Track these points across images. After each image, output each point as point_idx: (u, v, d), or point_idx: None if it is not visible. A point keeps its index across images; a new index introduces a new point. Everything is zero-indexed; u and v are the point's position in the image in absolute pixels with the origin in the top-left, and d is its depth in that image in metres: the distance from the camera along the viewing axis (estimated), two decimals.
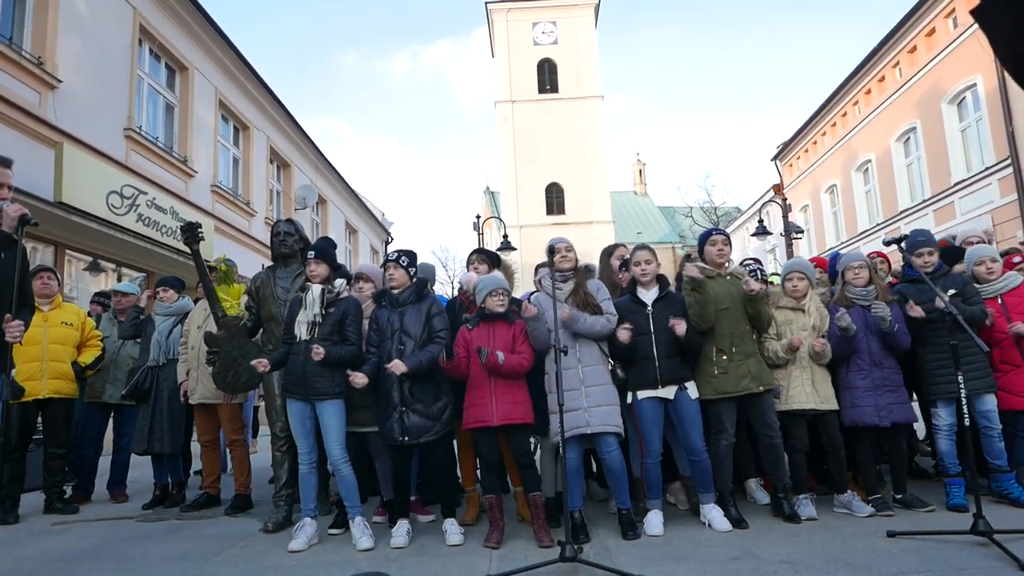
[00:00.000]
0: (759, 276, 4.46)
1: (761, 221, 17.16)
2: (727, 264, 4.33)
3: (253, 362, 3.88)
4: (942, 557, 3.21)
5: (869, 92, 17.88)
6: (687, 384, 4.03)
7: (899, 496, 4.33)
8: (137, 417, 5.40)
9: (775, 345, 4.27)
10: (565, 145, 37.60)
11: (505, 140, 38.55)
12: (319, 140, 19.72)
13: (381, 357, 3.92)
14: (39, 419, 5.25)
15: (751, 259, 5.17)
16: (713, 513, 3.97)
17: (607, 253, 5.12)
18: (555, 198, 38.26)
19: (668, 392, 3.99)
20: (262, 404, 5.76)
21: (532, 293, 4.22)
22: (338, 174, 20.10)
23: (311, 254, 4.02)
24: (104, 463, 5.83)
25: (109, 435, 5.84)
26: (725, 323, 4.10)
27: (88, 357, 5.33)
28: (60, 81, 8.63)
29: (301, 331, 3.92)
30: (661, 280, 4.23)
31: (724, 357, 4.07)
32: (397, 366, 3.76)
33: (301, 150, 17.62)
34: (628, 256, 4.50)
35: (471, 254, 4.85)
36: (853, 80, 18.13)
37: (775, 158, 24.36)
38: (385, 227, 26.38)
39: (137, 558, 3.73)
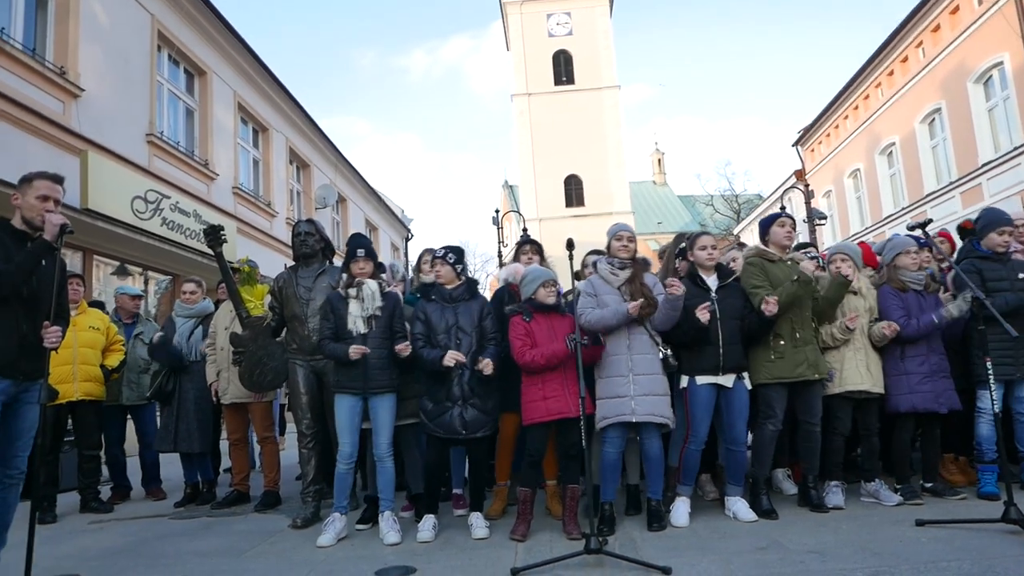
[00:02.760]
0: (818, 263, 4.41)
1: (783, 208, 16.97)
2: (789, 248, 4.28)
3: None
4: (973, 546, 3.17)
5: (892, 73, 17.55)
6: (744, 374, 4.00)
7: (929, 484, 4.28)
8: (158, 417, 5.50)
9: (829, 327, 4.21)
10: (582, 136, 37.44)
11: (522, 133, 38.49)
12: (337, 139, 19.89)
13: (441, 349, 3.90)
14: (69, 421, 5.37)
15: (807, 243, 5.10)
16: (738, 504, 3.96)
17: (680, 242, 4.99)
18: (574, 190, 38.14)
19: (727, 380, 3.95)
20: (287, 402, 5.84)
21: (570, 289, 4.17)
22: (357, 173, 20.22)
23: (360, 252, 4.04)
24: (133, 463, 5.95)
25: (132, 436, 5.97)
26: (786, 309, 4.01)
27: (114, 360, 5.44)
28: (83, 90, 8.78)
29: (358, 325, 3.95)
30: (720, 268, 4.17)
31: (782, 343, 4.03)
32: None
33: (320, 150, 17.76)
34: (683, 244, 4.43)
35: (522, 244, 4.85)
36: (875, 62, 17.80)
37: (796, 143, 24.02)
38: (405, 224, 26.50)
39: (171, 555, 3.82)
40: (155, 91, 10.54)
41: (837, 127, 21.20)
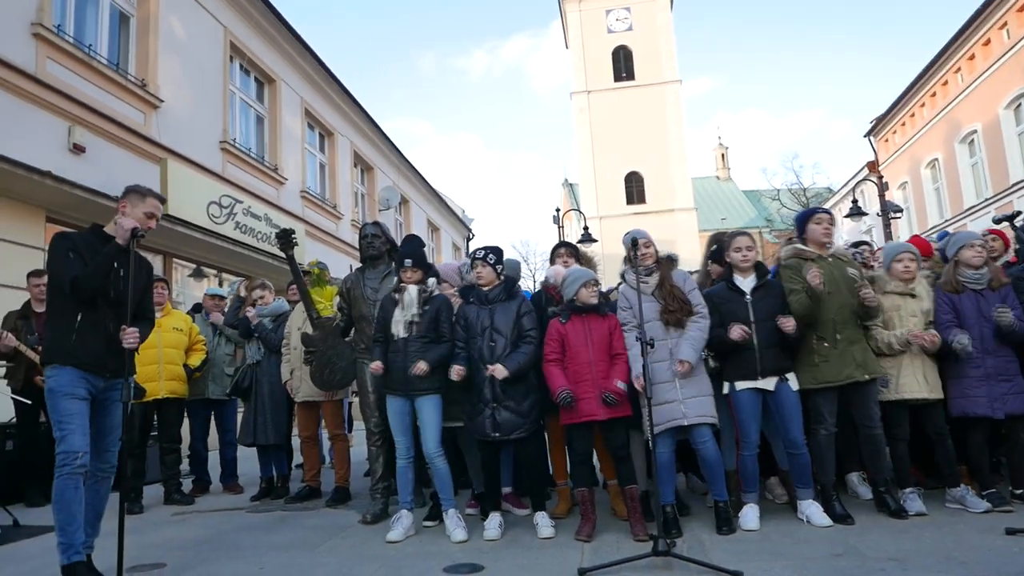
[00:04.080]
0: (860, 259, 4.25)
1: (855, 201, 16.28)
2: (830, 245, 4.14)
3: (371, 366, 4.03)
4: None
5: (973, 57, 16.63)
6: (788, 375, 3.89)
7: (1019, 491, 4.04)
8: (239, 412, 5.73)
9: (887, 335, 4.05)
10: (643, 133, 36.95)
11: (582, 131, 38.28)
12: (400, 141, 20.23)
13: (471, 353, 3.99)
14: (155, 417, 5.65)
15: (862, 241, 4.92)
16: (811, 508, 3.84)
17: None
18: (635, 187, 37.69)
19: (768, 383, 3.87)
20: (355, 400, 5.98)
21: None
22: (419, 174, 20.53)
23: (407, 262, 4.13)
24: (214, 457, 6.23)
25: (213, 432, 6.24)
26: (828, 309, 3.91)
27: (196, 360, 5.71)
28: (162, 101, 9.22)
29: (399, 330, 4.05)
30: (759, 268, 4.08)
31: (826, 345, 3.90)
32: (498, 371, 3.81)
33: (383, 153, 18.12)
34: (714, 247, 4.37)
35: (558, 247, 4.85)
36: (954, 46, 16.90)
37: (869, 134, 23.07)
38: (466, 224, 26.75)
39: (249, 546, 3.98)
40: (228, 100, 10.97)
41: (913, 115, 20.25)
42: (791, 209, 37.12)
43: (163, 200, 3.50)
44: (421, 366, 3.88)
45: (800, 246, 4.15)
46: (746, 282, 4.02)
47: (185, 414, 5.91)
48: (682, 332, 3.85)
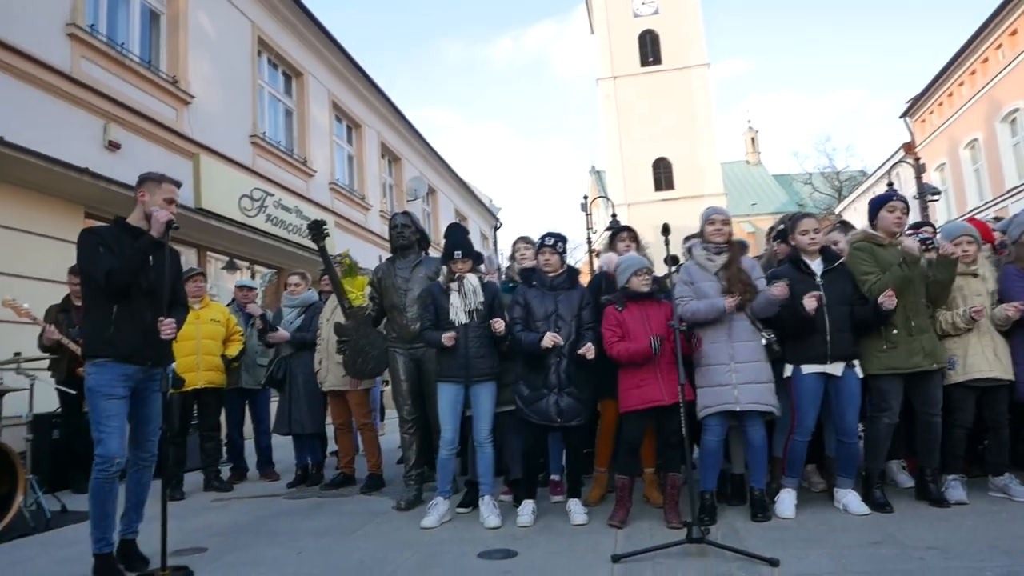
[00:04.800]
0: (933, 245, 4.17)
1: (891, 184, 15.92)
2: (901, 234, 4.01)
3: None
4: None
5: (1015, 33, 16.06)
6: (855, 362, 3.80)
7: None
8: (273, 401, 5.83)
9: (950, 315, 3.94)
10: (671, 118, 36.53)
11: (608, 117, 37.97)
12: (426, 131, 20.26)
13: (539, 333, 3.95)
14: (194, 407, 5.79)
15: (922, 223, 4.79)
16: (849, 497, 3.79)
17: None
18: (663, 173, 37.33)
19: (836, 368, 3.77)
20: (387, 388, 6.05)
21: (673, 270, 4.11)
22: (446, 164, 20.58)
23: (458, 254, 4.15)
24: (250, 446, 6.36)
25: (249, 421, 6.37)
26: (899, 297, 3.76)
27: (234, 350, 5.83)
28: (192, 96, 9.36)
29: (460, 316, 4.07)
30: (825, 252, 3.97)
31: (895, 332, 3.80)
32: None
33: (410, 143, 18.18)
34: (782, 226, 4.27)
35: (619, 232, 4.82)
36: (994, 21, 16.35)
37: (905, 115, 22.48)
38: (493, 213, 26.76)
39: (287, 532, 4.06)
40: (257, 94, 11.09)
41: (951, 95, 19.67)
42: (823, 193, 36.47)
43: (178, 184, 3.52)
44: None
45: (870, 231, 4.05)
46: (814, 264, 3.92)
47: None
48: (741, 316, 3.78)
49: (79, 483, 5.52)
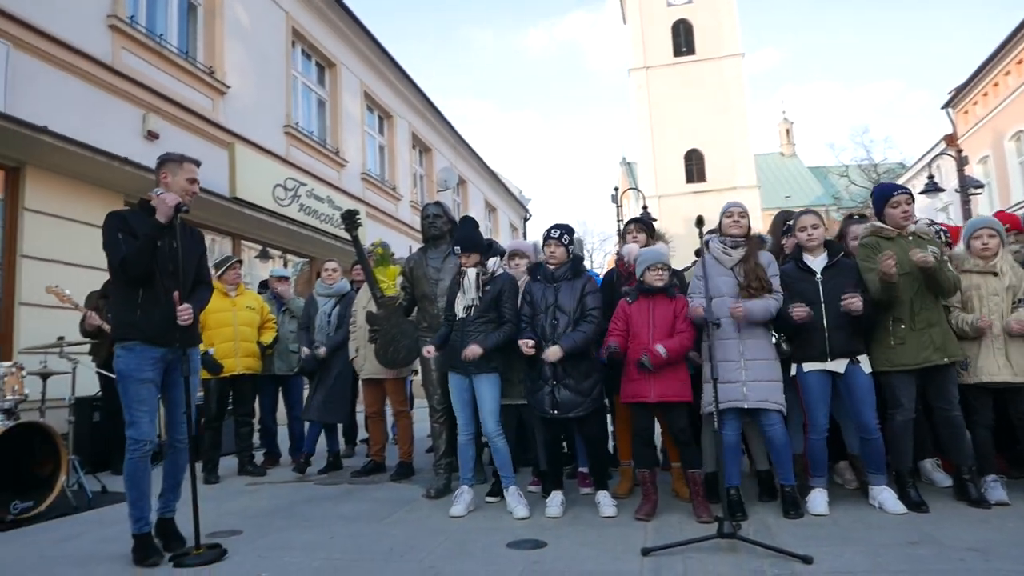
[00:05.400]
0: (943, 239, 4.04)
1: (931, 177, 15.52)
2: (910, 224, 3.93)
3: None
4: None
5: None
6: (859, 357, 3.75)
7: None
8: (305, 388, 5.92)
9: (961, 318, 3.87)
10: (703, 109, 36.05)
11: (640, 108, 37.61)
12: (457, 122, 20.30)
13: (535, 331, 4.01)
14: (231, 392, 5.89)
15: (929, 220, 4.70)
16: (885, 494, 3.71)
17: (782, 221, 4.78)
18: (695, 165, 36.90)
19: (838, 365, 3.74)
20: (415, 378, 6.09)
21: (693, 263, 4.08)
22: (476, 155, 20.59)
23: (456, 250, 4.20)
24: (283, 432, 6.47)
25: (282, 407, 6.47)
26: (905, 290, 3.73)
27: (268, 337, 5.93)
28: (228, 87, 9.50)
29: (459, 311, 4.11)
30: (830, 246, 3.94)
31: (902, 327, 3.73)
32: (553, 353, 3.80)
33: (441, 134, 18.22)
34: (791, 221, 4.23)
35: (627, 223, 4.80)
36: None
37: (947, 105, 21.86)
38: (523, 204, 26.72)
39: (319, 517, 4.12)
40: (290, 85, 11.22)
41: (996, 85, 19.07)
42: (860, 186, 35.69)
43: (198, 163, 3.53)
44: (474, 349, 3.92)
45: (878, 223, 3.97)
46: (816, 261, 3.89)
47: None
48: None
49: (118, 464, 5.62)
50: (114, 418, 5.84)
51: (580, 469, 4.62)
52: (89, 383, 5.87)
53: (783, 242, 4.52)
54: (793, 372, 3.86)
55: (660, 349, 3.67)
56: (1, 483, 4.07)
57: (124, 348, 3.28)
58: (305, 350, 5.76)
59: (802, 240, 3.93)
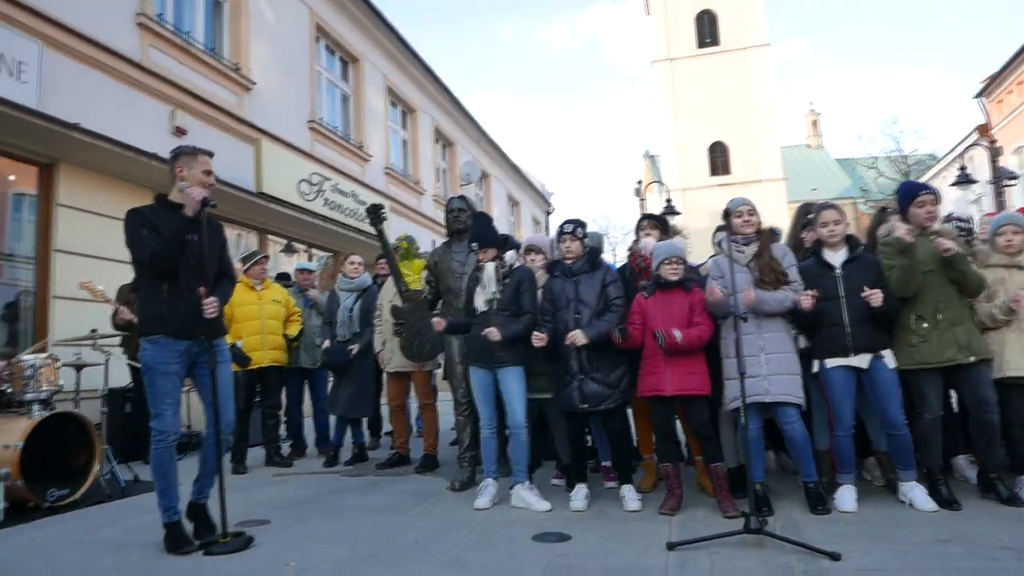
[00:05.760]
0: (971, 235, 3.94)
1: (963, 168, 15.16)
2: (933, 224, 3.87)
3: (433, 320, 4.16)
4: None
5: None
6: (883, 352, 3.69)
7: None
8: (330, 381, 5.99)
9: (988, 307, 3.79)
10: (728, 100, 35.62)
11: (664, 100, 37.28)
12: (479, 115, 20.31)
13: (557, 326, 4.01)
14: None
15: (956, 218, 4.61)
16: (915, 491, 3.65)
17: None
18: (719, 157, 36.50)
19: (861, 360, 3.68)
20: (438, 372, 6.13)
21: (711, 257, 4.06)
22: (499, 148, 20.57)
23: (474, 246, 4.23)
24: (308, 423, 6.55)
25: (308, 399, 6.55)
26: (929, 287, 3.68)
27: (293, 330, 6.00)
28: (254, 83, 9.59)
29: (480, 305, 4.13)
30: (851, 241, 3.89)
31: (924, 324, 3.67)
32: (577, 337, 3.81)
33: (463, 128, 18.24)
34: (811, 215, 4.19)
35: (641, 219, 4.79)
36: None
37: (979, 95, 21.35)
38: (546, 198, 26.67)
39: (345, 508, 4.17)
40: (315, 80, 11.29)
41: None
42: (889, 178, 35.06)
43: (211, 154, 3.54)
44: (493, 332, 3.94)
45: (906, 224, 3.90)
46: (836, 256, 3.85)
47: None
48: None
49: (149, 454, 5.78)
50: (145, 409, 5.97)
51: (603, 463, 4.62)
52: (121, 375, 5.99)
53: (803, 235, 4.47)
54: (816, 368, 3.81)
55: (677, 334, 3.67)
56: (38, 471, 4.18)
57: (149, 341, 3.33)
58: (327, 343, 5.81)
59: (823, 236, 3.89)
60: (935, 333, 3.66)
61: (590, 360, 3.90)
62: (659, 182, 28.28)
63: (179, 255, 3.30)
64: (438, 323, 4.22)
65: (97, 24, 7.08)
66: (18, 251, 6.71)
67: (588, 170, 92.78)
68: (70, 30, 6.74)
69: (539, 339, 3.91)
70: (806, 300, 3.61)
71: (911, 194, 3.88)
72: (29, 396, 4.41)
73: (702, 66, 36.50)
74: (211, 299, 3.32)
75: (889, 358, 3.71)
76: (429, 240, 13.77)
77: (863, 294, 3.60)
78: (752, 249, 3.82)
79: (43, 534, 3.76)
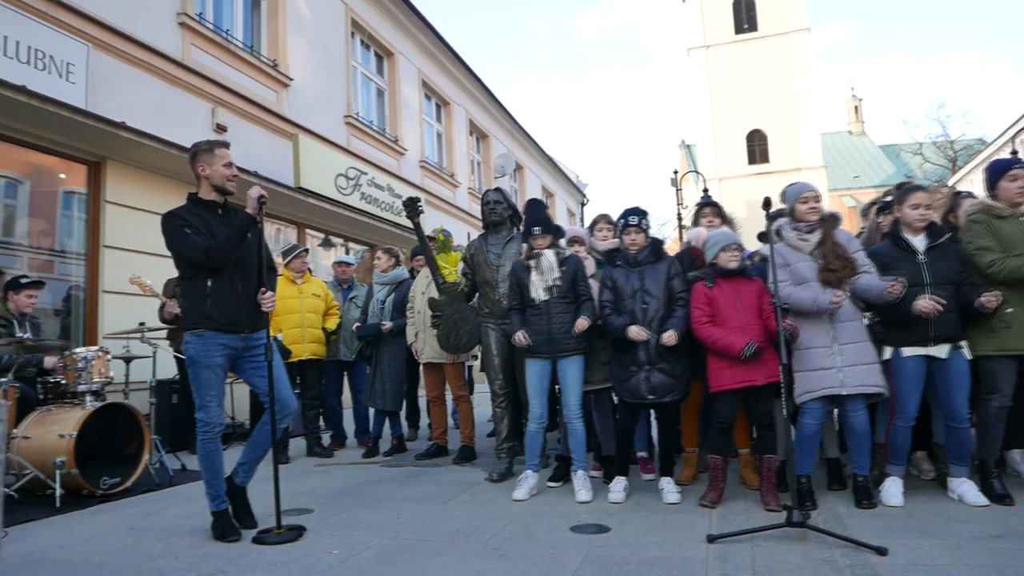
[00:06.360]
0: None
1: (1015, 152, 14.67)
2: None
3: (518, 336, 4.07)
4: None
5: None
6: (962, 343, 3.56)
7: None
8: (367, 374, 6.08)
9: None
10: (767, 87, 34.96)
11: (700, 88, 36.75)
12: (514, 107, 20.29)
13: (623, 316, 3.95)
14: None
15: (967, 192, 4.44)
16: (965, 486, 3.55)
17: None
18: (757, 146, 35.88)
19: (940, 351, 3.54)
20: (475, 363, 6.16)
21: (755, 251, 3.97)
22: (533, 140, 20.53)
23: (536, 230, 4.16)
24: (348, 415, 6.65)
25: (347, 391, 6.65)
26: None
27: (332, 323, 6.10)
28: (291, 79, 9.73)
29: (539, 294, 4.09)
30: (933, 227, 3.70)
31: (1009, 309, 3.51)
32: (672, 337, 3.75)
33: (497, 120, 18.24)
34: (888, 199, 4.05)
35: (702, 207, 4.72)
36: None
37: None
38: (580, 189, 26.53)
39: (386, 498, 4.23)
40: (351, 75, 11.41)
41: None
42: (936, 164, 34.02)
43: (227, 145, 3.56)
44: (583, 323, 3.93)
45: (989, 201, 3.75)
46: (918, 240, 3.67)
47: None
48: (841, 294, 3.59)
49: (195, 444, 5.95)
50: (191, 401, 6.13)
51: (640, 455, 4.60)
52: (168, 367, 6.17)
53: (880, 220, 4.33)
54: (887, 355, 3.67)
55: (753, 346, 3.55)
56: (92, 460, 4.33)
57: (194, 335, 3.40)
58: (356, 324, 5.90)
59: (911, 218, 3.66)
60: (1020, 319, 3.52)
61: (658, 351, 3.85)
62: (696, 171, 27.88)
63: (236, 251, 3.38)
64: (525, 337, 4.07)
65: (141, 25, 7.26)
66: (69, 248, 6.94)
67: (622, 161, 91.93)
68: (116, 31, 6.92)
69: (580, 326, 3.90)
70: (896, 287, 3.41)
71: (1002, 168, 3.71)
72: (82, 387, 4.58)
73: (740, 52, 35.86)
74: (269, 293, 3.42)
75: (967, 350, 3.57)
76: (464, 233, 13.83)
77: (981, 298, 3.42)
78: (816, 236, 3.69)
79: (97, 520, 3.89)
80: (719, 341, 3.66)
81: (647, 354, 3.85)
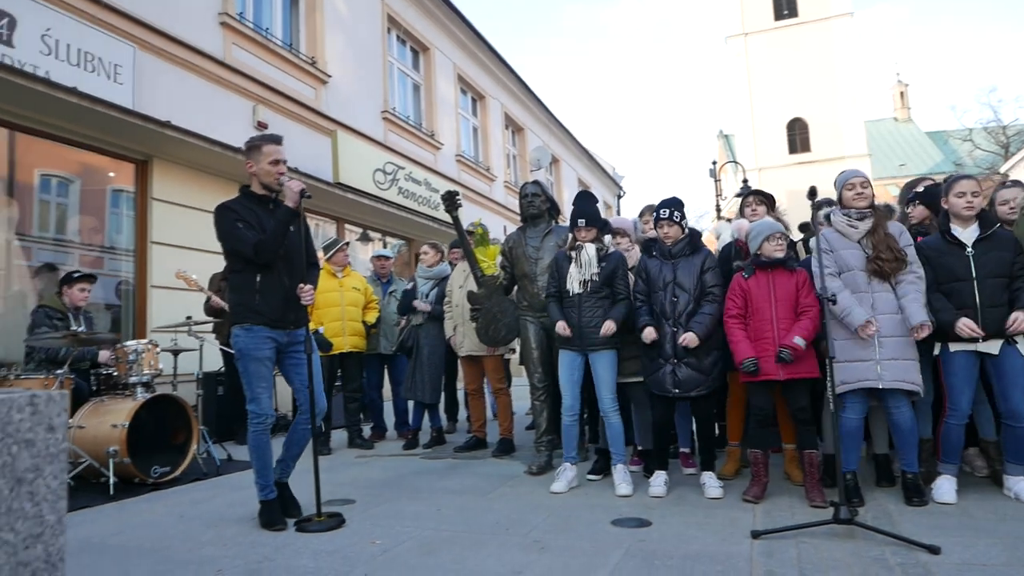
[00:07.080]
0: None
1: None
2: None
3: (560, 327, 4.07)
4: None
5: None
6: (1017, 337, 3.42)
7: None
8: (407, 367, 6.14)
9: None
10: (808, 74, 34.15)
11: (738, 77, 36.07)
12: (549, 100, 20.19)
13: (653, 308, 3.94)
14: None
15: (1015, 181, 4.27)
16: (1021, 484, 3.43)
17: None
18: (798, 134, 35.10)
19: (991, 347, 3.42)
20: (512, 356, 6.16)
21: (805, 237, 3.85)
22: (568, 133, 20.41)
23: (581, 222, 4.13)
24: (388, 407, 6.73)
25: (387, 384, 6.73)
26: None
27: (372, 317, 6.17)
28: (329, 76, 9.84)
29: (574, 286, 4.08)
30: (983, 217, 3.57)
31: None
32: (690, 340, 3.74)
33: (533, 113, 18.18)
34: (921, 187, 3.92)
35: (746, 196, 4.65)
36: None
37: None
38: (616, 182, 26.31)
39: (426, 489, 4.27)
40: (387, 71, 11.49)
41: None
42: (986, 151, 32.83)
43: (280, 141, 3.58)
44: (610, 326, 3.91)
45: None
46: (966, 232, 3.54)
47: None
48: (886, 287, 3.50)
49: (241, 435, 6.10)
50: (236, 392, 6.29)
51: (682, 449, 4.55)
52: (214, 359, 6.32)
53: (909, 211, 4.22)
54: (936, 351, 3.58)
55: (799, 341, 3.51)
56: (142, 449, 4.46)
57: (242, 328, 3.47)
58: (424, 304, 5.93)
59: (958, 207, 3.54)
60: None
61: (684, 345, 3.81)
62: (734, 162, 27.40)
63: (282, 245, 3.43)
64: (562, 329, 4.08)
65: (184, 25, 7.42)
66: (118, 244, 7.15)
67: (659, 152, 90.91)
68: (160, 32, 7.09)
69: (649, 336, 3.86)
70: (870, 329, 3.41)
71: None
72: (133, 379, 4.72)
73: (780, 39, 35.10)
74: (308, 287, 3.47)
75: (1022, 344, 3.44)
76: (501, 226, 13.84)
77: None
78: (865, 225, 3.58)
79: (148, 507, 4.01)
80: (732, 341, 3.69)
81: (674, 347, 3.82)
